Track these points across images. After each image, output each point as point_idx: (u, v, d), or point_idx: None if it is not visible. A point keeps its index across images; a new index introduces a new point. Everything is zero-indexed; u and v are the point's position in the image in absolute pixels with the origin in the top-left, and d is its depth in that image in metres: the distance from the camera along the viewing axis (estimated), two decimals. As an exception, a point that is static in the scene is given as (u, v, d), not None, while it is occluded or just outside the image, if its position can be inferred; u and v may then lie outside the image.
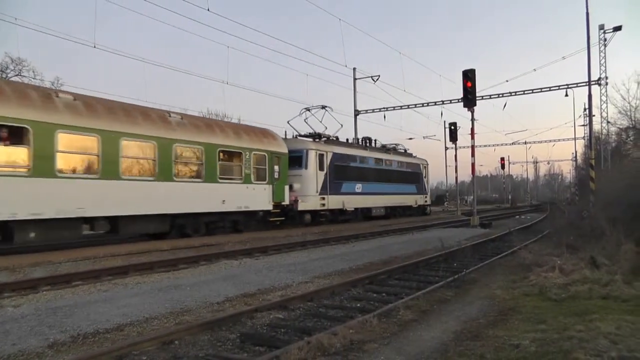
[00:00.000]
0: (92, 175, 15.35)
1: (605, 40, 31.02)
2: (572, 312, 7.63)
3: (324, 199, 26.72)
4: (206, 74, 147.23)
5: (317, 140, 28.08)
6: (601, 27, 31.12)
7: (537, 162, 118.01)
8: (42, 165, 13.93)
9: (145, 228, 17.68)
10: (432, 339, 6.50)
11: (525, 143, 70.44)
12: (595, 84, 30.64)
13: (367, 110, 40.40)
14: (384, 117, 40.37)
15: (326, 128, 29.30)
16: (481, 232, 24.89)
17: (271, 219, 23.04)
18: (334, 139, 29.87)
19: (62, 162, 14.63)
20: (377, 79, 37.99)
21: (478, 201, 40.72)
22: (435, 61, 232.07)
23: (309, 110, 29.34)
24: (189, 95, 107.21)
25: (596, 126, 35.52)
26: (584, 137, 53.47)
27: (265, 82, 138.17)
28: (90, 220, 15.52)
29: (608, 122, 34.80)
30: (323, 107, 29.24)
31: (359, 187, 30.10)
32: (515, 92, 35.56)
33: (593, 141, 28.99)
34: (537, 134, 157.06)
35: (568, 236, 15.27)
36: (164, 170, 17.60)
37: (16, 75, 36.27)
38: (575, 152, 62.58)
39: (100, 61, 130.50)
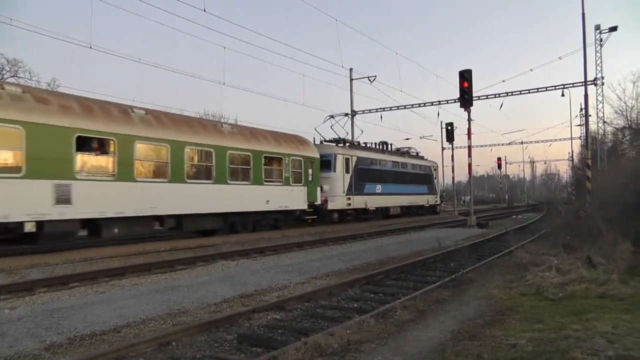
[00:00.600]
0: (162, 180, 17.76)
1: (601, 40, 31.13)
2: (569, 312, 7.65)
3: (349, 199, 29.20)
4: (203, 74, 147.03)
5: (343, 145, 30.76)
6: (597, 27, 31.21)
7: (533, 162, 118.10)
8: (124, 171, 16.34)
9: (203, 225, 19.89)
10: (430, 339, 6.51)
11: (522, 143, 70.72)
12: (591, 84, 30.69)
13: (363, 111, 40.43)
14: (381, 117, 40.88)
15: (347, 133, 33.16)
16: (478, 232, 24.92)
17: (306, 217, 25.39)
18: (356, 144, 32.80)
19: (139, 168, 17.10)
20: (374, 80, 38.03)
21: (475, 201, 41.05)
22: (431, 61, 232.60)
23: (333, 117, 33.34)
24: (185, 96, 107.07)
25: (592, 126, 35.60)
26: (580, 137, 53.62)
27: (262, 83, 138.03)
28: (160, 218, 17.69)
29: (604, 122, 34.95)
30: (346, 114, 33.86)
31: (379, 188, 32.43)
32: (512, 92, 35.59)
33: (589, 141, 29.09)
34: (533, 134, 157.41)
35: (565, 236, 15.29)
36: (219, 174, 19.99)
37: (12, 76, 36.25)
38: (572, 152, 62.99)
39: (97, 62, 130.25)
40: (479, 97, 34.53)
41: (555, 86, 34.00)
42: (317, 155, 26.31)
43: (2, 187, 13.19)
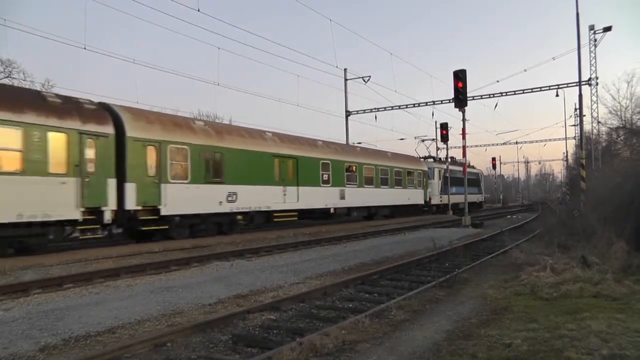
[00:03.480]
0: (371, 186, 31.55)
1: (595, 40, 31.20)
2: (563, 311, 7.67)
3: (441, 197, 43.10)
4: (197, 75, 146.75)
5: (435, 160, 45.61)
6: (591, 27, 31.28)
7: (528, 162, 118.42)
8: (361, 181, 30.12)
9: (383, 213, 33.26)
10: (425, 339, 6.52)
11: (517, 143, 70.87)
12: (585, 84, 30.77)
13: (358, 111, 40.47)
14: (375, 117, 40.88)
15: (429, 151, 48.18)
16: (473, 232, 24.96)
17: (423, 209, 39.10)
18: (439, 159, 46.67)
19: (365, 180, 30.75)
20: (368, 80, 38.10)
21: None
22: (426, 62, 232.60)
23: (423, 141, 48.77)
24: (179, 97, 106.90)
25: (587, 126, 35.74)
26: (574, 137, 53.81)
27: (256, 83, 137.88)
28: (369, 209, 32.06)
29: (598, 122, 35.04)
30: (433, 139, 48.79)
31: (453, 190, 44.01)
32: (507, 92, 35.65)
33: (584, 141, 29.18)
34: (528, 134, 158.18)
35: (559, 235, 15.37)
36: (390, 182, 33.44)
37: (6, 77, 36.03)
38: (566, 151, 63.03)
39: (91, 62, 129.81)
40: (473, 97, 34.61)
41: (549, 86, 34.07)
42: (426, 169, 39.87)
43: (325, 192, 26.59)
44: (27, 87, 30.18)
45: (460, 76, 25.40)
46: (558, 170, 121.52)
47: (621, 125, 32.67)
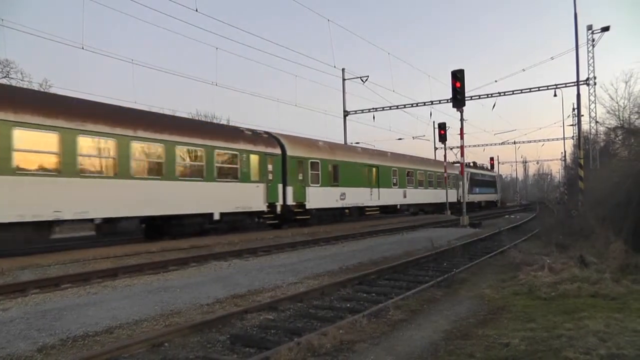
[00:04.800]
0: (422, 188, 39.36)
1: (593, 40, 31.16)
2: (561, 311, 7.67)
3: (469, 197, 49.11)
4: (195, 75, 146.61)
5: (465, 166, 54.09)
6: (589, 27, 31.23)
7: (526, 162, 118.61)
8: (426, 184, 40.17)
9: (415, 209, 38.87)
10: (422, 339, 6.52)
11: (515, 143, 70.92)
12: (583, 84, 30.79)
13: (356, 111, 40.50)
14: (373, 117, 41.10)
15: (456, 157, 55.70)
16: (471, 231, 24.96)
17: (457, 205, 43.46)
18: (467, 164, 52.39)
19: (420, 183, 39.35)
20: (366, 80, 38.14)
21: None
22: (424, 62, 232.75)
23: (451, 149, 57.58)
24: (177, 97, 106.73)
25: (585, 126, 35.72)
26: (572, 136, 53.73)
27: (254, 83, 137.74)
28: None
29: (597, 121, 34.89)
30: (472, 163, 58.14)
31: (476, 190, 54.40)
32: (504, 92, 35.71)
33: (582, 141, 29.20)
34: (526, 134, 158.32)
35: (557, 235, 15.38)
36: (435, 185, 41.84)
37: (4, 77, 35.99)
38: (564, 151, 63.17)
39: (89, 62, 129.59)
40: (471, 97, 34.69)
41: (547, 86, 34.14)
42: (458, 173, 46.24)
43: (394, 192, 34.14)
44: (24, 86, 30.11)
45: (458, 76, 25.44)
46: (556, 170, 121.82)
47: (619, 125, 32.56)
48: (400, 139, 59.73)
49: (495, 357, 5.64)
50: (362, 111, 40.63)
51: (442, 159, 44.83)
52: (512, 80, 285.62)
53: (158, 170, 17.51)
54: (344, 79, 39.59)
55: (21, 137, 13.45)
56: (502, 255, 14.59)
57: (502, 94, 35.78)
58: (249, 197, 21.46)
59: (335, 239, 20.47)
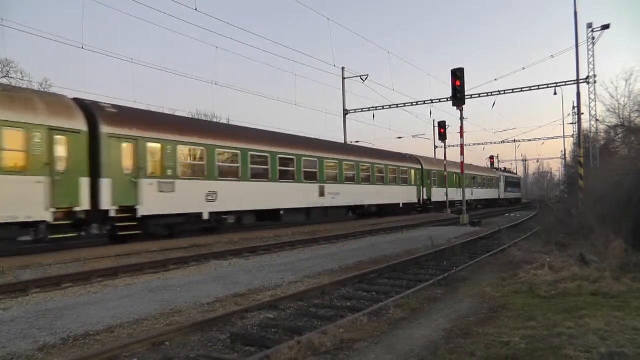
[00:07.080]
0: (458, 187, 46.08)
1: (593, 38, 31.12)
2: (561, 309, 7.67)
3: (505, 195, 64.98)
4: (195, 74, 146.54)
5: (501, 171, 70.17)
6: (589, 25, 31.19)
7: (526, 161, 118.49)
8: (468, 185, 46.89)
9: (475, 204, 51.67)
10: (423, 337, 6.52)
11: (515, 141, 71.01)
12: (583, 82, 30.78)
13: (356, 110, 40.50)
14: (373, 116, 41.22)
15: (495, 166, 73.62)
16: (471, 230, 24.95)
17: (498, 202, 58.75)
18: (503, 169, 72.98)
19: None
20: (366, 79, 38.18)
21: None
22: (424, 60, 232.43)
23: (492, 157, 76.31)
24: (177, 96, 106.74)
25: (585, 124, 35.65)
26: (573, 135, 53.81)
27: (253, 82, 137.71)
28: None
29: (597, 120, 34.92)
30: (504, 169, 77.33)
31: (509, 190, 68.40)
32: (505, 90, 35.69)
33: (582, 139, 29.21)
34: (526, 132, 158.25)
35: (557, 234, 15.35)
36: (481, 184, 55.98)
37: (4, 76, 36.00)
38: (565, 150, 63.20)
39: (89, 62, 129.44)
40: (471, 95, 34.69)
41: (547, 84, 34.14)
42: (498, 176, 62.60)
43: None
44: (24, 86, 30.10)
45: (458, 75, 25.46)
46: (556, 168, 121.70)
47: (619, 124, 32.65)
48: (400, 137, 59.89)
49: (495, 355, 5.64)
50: (362, 110, 40.65)
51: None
52: (512, 79, 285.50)
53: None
54: (343, 78, 39.60)
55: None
56: (502, 254, 14.57)
57: (502, 92, 35.77)
58: (411, 194, 37.21)
59: (335, 238, 20.48)
